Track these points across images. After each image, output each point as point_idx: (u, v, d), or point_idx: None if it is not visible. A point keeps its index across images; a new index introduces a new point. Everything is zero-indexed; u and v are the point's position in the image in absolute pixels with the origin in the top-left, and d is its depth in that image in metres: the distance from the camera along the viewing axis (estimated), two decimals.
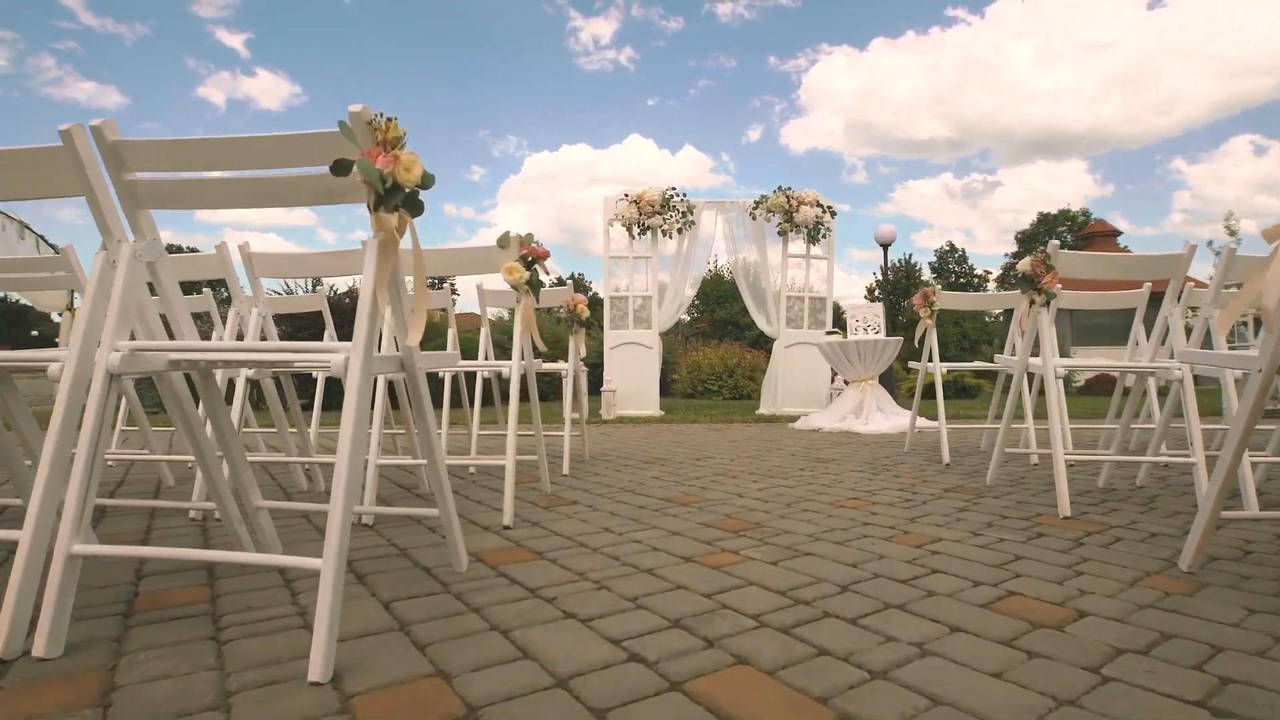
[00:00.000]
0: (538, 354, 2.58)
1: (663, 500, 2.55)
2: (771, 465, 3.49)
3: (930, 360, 3.68)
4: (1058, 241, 2.32)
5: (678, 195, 7.25)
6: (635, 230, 7.25)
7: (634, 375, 7.25)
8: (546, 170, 70.42)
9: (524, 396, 2.53)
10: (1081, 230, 45.49)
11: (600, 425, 6.34)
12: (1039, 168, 67.59)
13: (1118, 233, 18.99)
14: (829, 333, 6.05)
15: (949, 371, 3.71)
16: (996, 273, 49.53)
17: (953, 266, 49.97)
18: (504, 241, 2.19)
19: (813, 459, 3.75)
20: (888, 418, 5.48)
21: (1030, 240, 47.66)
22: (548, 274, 2.29)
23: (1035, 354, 2.50)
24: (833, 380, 7.19)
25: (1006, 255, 49.84)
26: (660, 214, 7.18)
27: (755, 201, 7.29)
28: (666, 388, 12.33)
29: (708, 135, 71.26)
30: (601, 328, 7.52)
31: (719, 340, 14.50)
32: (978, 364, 4.08)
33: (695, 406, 8.67)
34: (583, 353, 3.34)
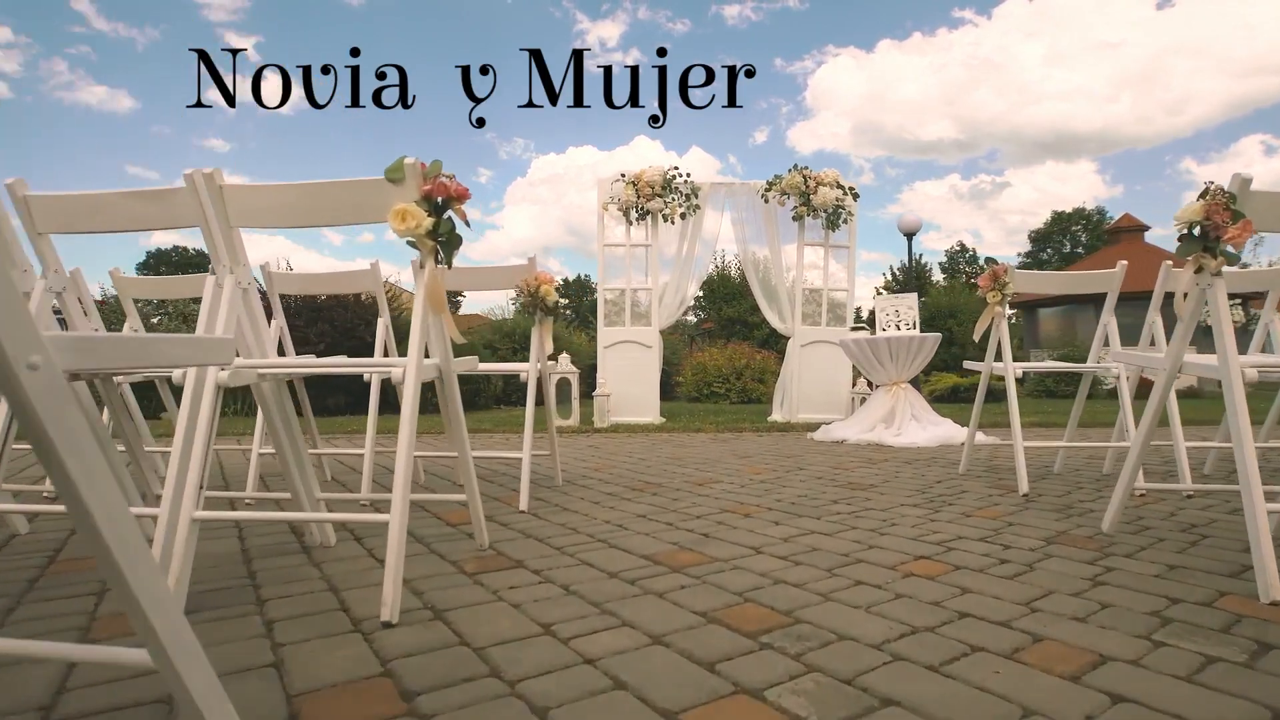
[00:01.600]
0: (459, 350, 1.80)
1: (646, 561, 1.76)
2: (795, 495, 2.70)
3: (998, 359, 2.89)
4: (1246, 175, 1.52)
5: (681, 176, 6.46)
6: (633, 215, 6.47)
7: (631, 378, 6.46)
8: (554, 172, 69.81)
9: (421, 408, 1.77)
10: (1097, 229, 44.56)
11: (591, 435, 5.56)
12: (1048, 169, 66.73)
13: (1146, 228, 18.06)
14: (854, 327, 5.23)
15: (1024, 374, 2.90)
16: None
17: (963, 267, 49.01)
18: (396, 172, 1.42)
19: (846, 484, 2.96)
20: (924, 428, 4.67)
21: (1044, 239, 46.62)
22: (469, 225, 1.51)
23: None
24: (854, 384, 6.39)
25: (1019, 255, 48.81)
26: (661, 196, 6.39)
27: (768, 182, 6.49)
28: (669, 390, 11.55)
29: (714, 137, 70.57)
30: (587, 322, 6.73)
31: (726, 340, 13.68)
32: (1064, 364, 3.24)
33: (700, 412, 7.88)
34: (549, 348, 2.56)
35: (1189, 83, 58.63)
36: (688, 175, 6.49)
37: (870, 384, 6.32)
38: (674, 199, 6.45)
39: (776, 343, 15.04)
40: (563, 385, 6.33)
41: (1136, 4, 62.06)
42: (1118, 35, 61.60)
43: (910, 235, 8.53)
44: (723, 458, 3.96)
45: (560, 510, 2.43)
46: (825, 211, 6.40)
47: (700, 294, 18.68)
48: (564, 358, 6.37)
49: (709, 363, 10.62)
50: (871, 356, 4.83)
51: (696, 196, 6.52)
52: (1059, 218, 46.35)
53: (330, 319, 8.36)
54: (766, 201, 6.52)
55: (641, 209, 6.43)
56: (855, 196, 6.51)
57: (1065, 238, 46.51)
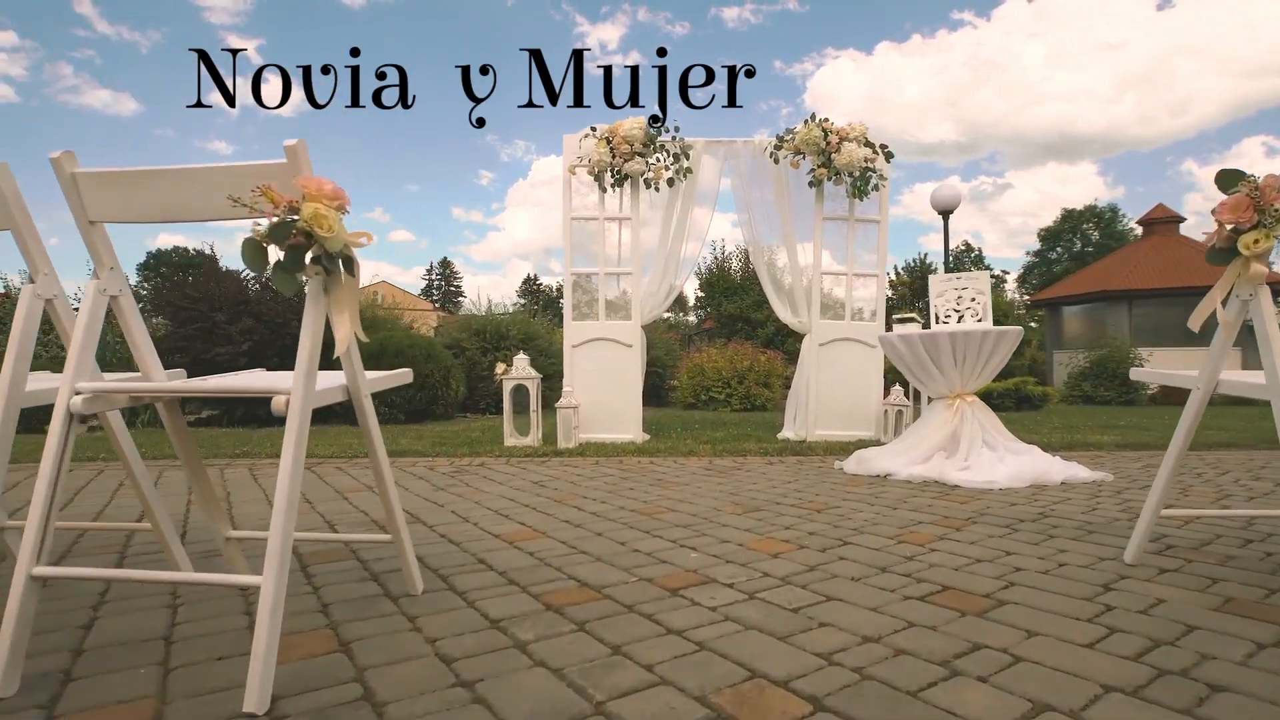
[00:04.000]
0: None
1: None
2: (854, 629, 1.37)
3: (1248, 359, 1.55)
4: None
5: (667, 132, 5.12)
6: (608, 180, 5.13)
7: (606, 384, 5.12)
8: (554, 174, 68.72)
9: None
10: (1110, 227, 43.04)
11: (548, 462, 4.22)
12: (1049, 170, 65.92)
13: (1181, 219, 16.66)
14: (901, 319, 3.85)
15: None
16: (1018, 271, 47.02)
17: (969, 267, 47.63)
18: None
19: (940, 592, 1.62)
20: (1001, 459, 3.34)
21: (1054, 237, 45.15)
22: None
23: None
24: (886, 393, 5.05)
25: (1027, 254, 47.35)
26: (643, 155, 5.05)
27: (778, 137, 5.15)
28: (662, 397, 10.22)
29: (715, 138, 69.58)
30: (546, 314, 5.38)
31: (726, 339, 12.32)
32: None
33: (695, 424, 6.54)
34: (346, 336, 1.21)
35: (1192, 83, 57.70)
36: (676, 129, 5.15)
37: (909, 393, 4.99)
38: (659, 159, 5.11)
39: (783, 341, 13.61)
40: (519, 394, 5.00)
41: (1137, 4, 61.10)
42: (1119, 36, 60.61)
43: (947, 212, 7.19)
44: (719, 511, 2.61)
45: (343, 708, 1.09)
46: (850, 175, 5.05)
47: (700, 294, 17.10)
48: (520, 359, 5.03)
49: (707, 365, 9.28)
50: (926, 359, 3.49)
51: (687, 157, 5.17)
52: (1069, 215, 45.07)
53: (257, 313, 7.02)
54: (776, 162, 5.18)
55: (618, 172, 5.09)
56: (889, 157, 5.16)
57: (1076, 236, 45.23)
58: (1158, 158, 63.54)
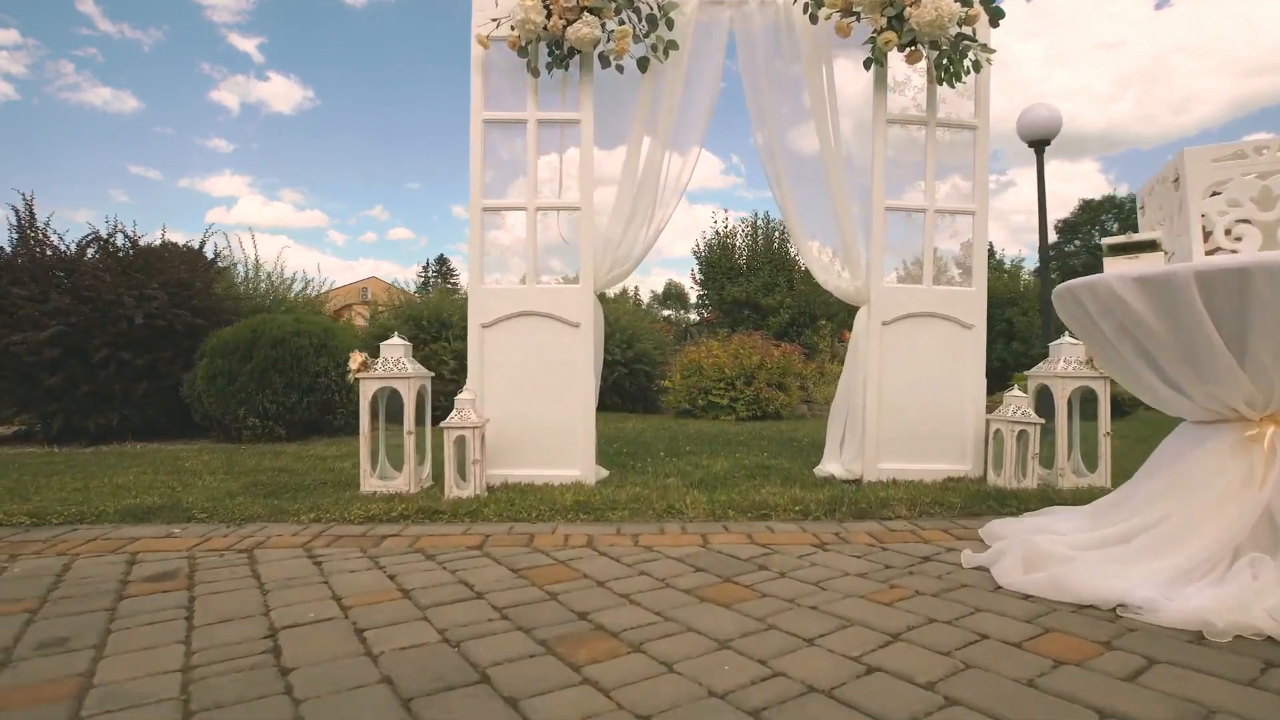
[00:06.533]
0: None
1: None
2: None
3: None
4: None
5: None
6: (541, 58, 3.16)
7: (536, 387, 3.15)
8: (554, 172, 67.81)
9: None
10: (1130, 218, 41.01)
11: (391, 540, 2.25)
12: (1051, 168, 65.53)
13: None
14: (1123, 244, 1.77)
15: None
16: (1032, 266, 45.12)
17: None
18: None
19: None
20: None
21: (1072, 230, 43.08)
22: None
23: None
24: (996, 404, 3.08)
25: (1032, 251, 45.47)
26: (597, 14, 3.08)
27: None
28: (651, 401, 8.22)
29: (716, 137, 68.72)
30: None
31: (730, 330, 10.32)
32: None
33: (686, 442, 4.56)
34: None
35: (1192, 82, 56.37)
36: None
37: (1035, 399, 3.01)
38: (625, 21, 3.13)
39: (799, 333, 11.45)
40: (392, 401, 3.02)
41: (1135, 3, 59.83)
42: (1118, 35, 59.31)
43: (1041, 143, 5.23)
44: None
45: None
46: (936, 47, 3.07)
47: (696, 281, 14.69)
48: (392, 346, 3.04)
49: (705, 361, 7.28)
50: (1199, 331, 1.49)
51: (670, 24, 3.17)
52: (1088, 206, 43.17)
53: (78, 288, 5.04)
54: (815, 23, 3.19)
55: (559, 44, 3.11)
56: (997, 17, 3.17)
57: (1094, 229, 43.38)
58: (1159, 155, 62.83)
